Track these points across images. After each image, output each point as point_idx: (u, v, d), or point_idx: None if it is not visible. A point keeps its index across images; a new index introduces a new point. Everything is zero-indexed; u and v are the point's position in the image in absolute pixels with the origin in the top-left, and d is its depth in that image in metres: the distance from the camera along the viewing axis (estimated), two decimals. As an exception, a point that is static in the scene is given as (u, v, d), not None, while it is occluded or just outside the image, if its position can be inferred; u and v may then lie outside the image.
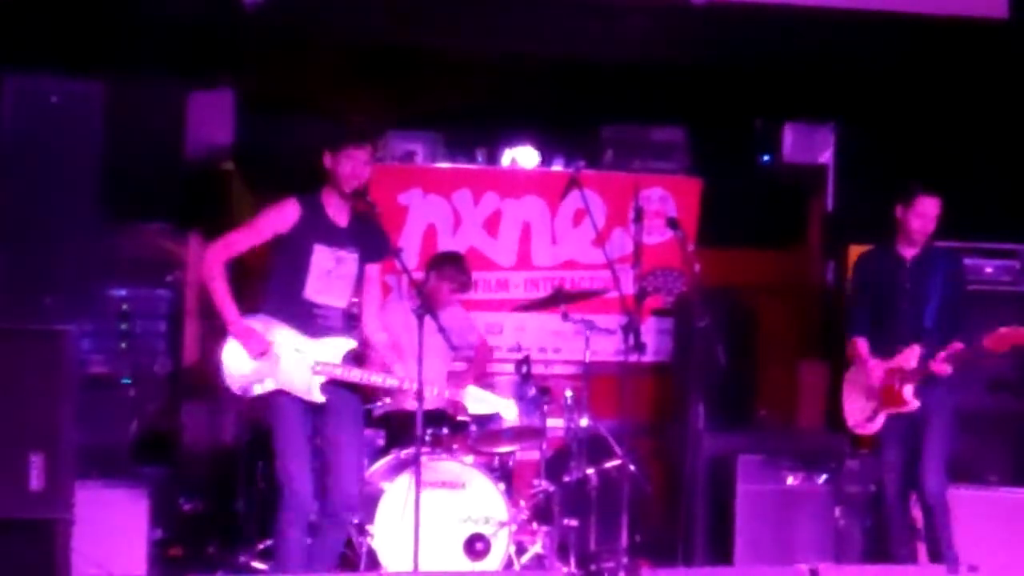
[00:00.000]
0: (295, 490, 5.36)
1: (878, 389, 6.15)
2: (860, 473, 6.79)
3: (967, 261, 6.69)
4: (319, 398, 5.44)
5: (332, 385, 5.47)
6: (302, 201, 5.50)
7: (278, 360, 5.41)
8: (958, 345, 5.91)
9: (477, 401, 5.77)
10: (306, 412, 5.46)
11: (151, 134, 6.88)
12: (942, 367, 5.94)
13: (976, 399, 6.73)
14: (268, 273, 5.56)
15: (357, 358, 5.60)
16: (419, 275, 7.03)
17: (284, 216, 5.47)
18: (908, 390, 6.05)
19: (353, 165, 5.47)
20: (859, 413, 6.27)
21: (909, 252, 6.23)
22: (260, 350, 5.38)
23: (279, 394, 5.42)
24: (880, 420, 6.17)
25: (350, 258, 5.56)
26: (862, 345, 6.28)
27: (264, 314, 5.48)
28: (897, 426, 6.16)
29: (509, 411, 5.96)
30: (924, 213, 6.15)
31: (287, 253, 5.49)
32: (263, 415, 5.58)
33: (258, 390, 5.41)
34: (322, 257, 5.49)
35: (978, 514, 6.30)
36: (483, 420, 6.26)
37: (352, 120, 7.15)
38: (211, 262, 5.44)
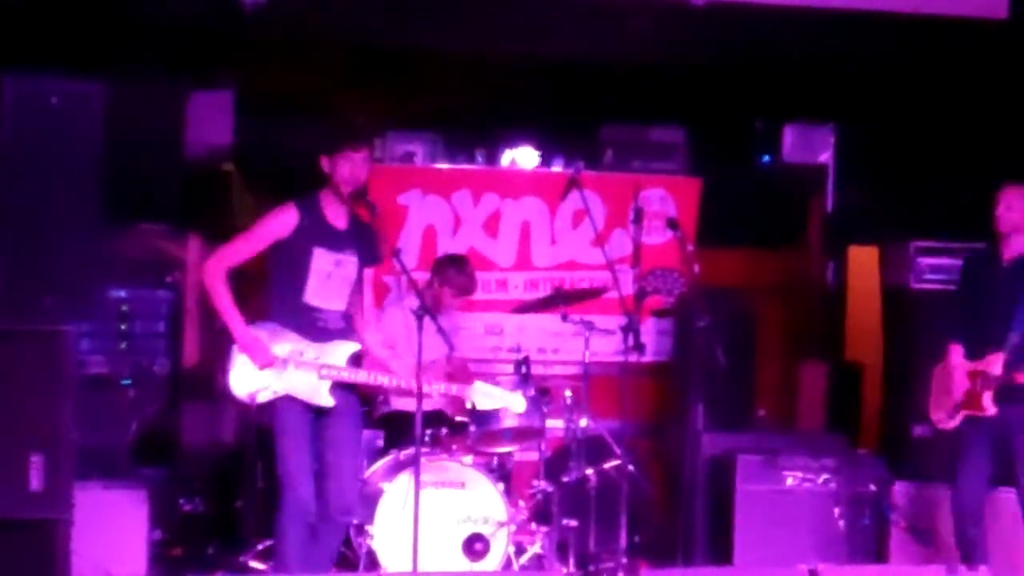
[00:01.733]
0: (296, 490, 5.37)
1: (959, 390, 6.10)
2: (859, 473, 6.80)
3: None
4: (327, 402, 5.46)
5: (335, 388, 5.48)
6: (300, 205, 5.51)
7: (285, 366, 5.43)
8: None
9: (485, 396, 5.75)
10: (307, 414, 5.47)
11: (151, 135, 6.87)
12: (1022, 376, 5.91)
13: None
14: (269, 279, 5.57)
15: (357, 360, 5.61)
16: (419, 275, 7.03)
17: (284, 222, 5.48)
18: (987, 396, 5.97)
19: (352, 167, 5.48)
20: (941, 409, 6.22)
21: (1007, 253, 6.15)
22: (265, 362, 5.40)
23: (284, 398, 5.43)
24: (958, 419, 6.11)
25: (350, 261, 5.56)
26: (953, 349, 6.18)
27: (270, 321, 5.49)
28: (977, 431, 6.07)
29: (518, 404, 5.91)
30: (1005, 203, 6.09)
31: (287, 258, 5.49)
32: (264, 416, 5.58)
33: (265, 396, 5.42)
34: (322, 261, 5.50)
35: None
36: (482, 420, 6.26)
37: (348, 121, 7.15)
38: (213, 273, 5.44)
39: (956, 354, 6.16)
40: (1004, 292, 6.04)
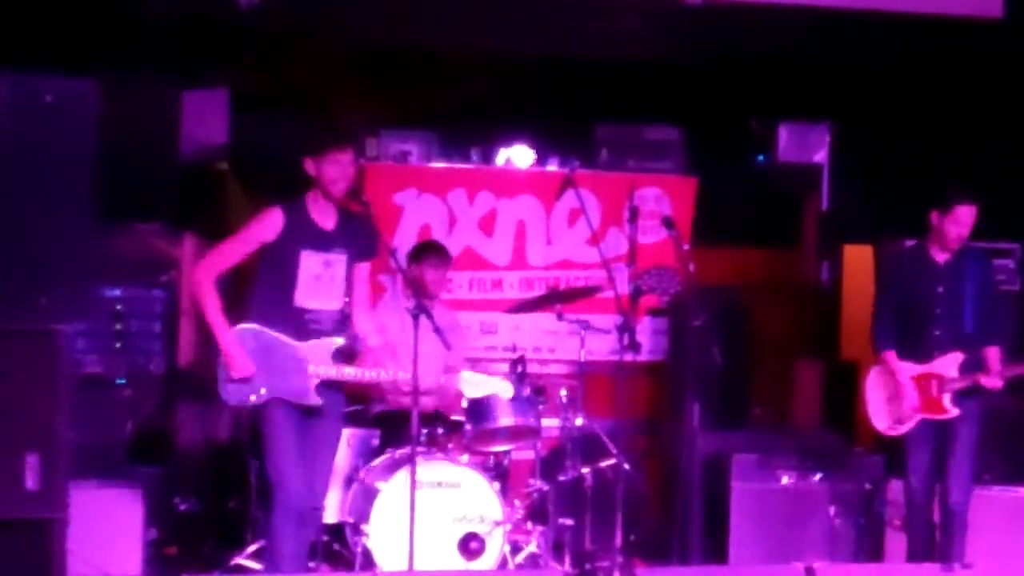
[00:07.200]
0: (286, 490, 5.36)
1: (910, 395, 6.14)
2: (855, 471, 6.80)
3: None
4: (315, 401, 5.45)
5: (321, 386, 5.47)
6: (285, 208, 5.50)
7: (271, 368, 5.41)
8: (1018, 366, 5.98)
9: (472, 385, 5.73)
10: (295, 413, 5.46)
11: (146, 133, 6.87)
12: (994, 381, 5.94)
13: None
14: (256, 281, 5.55)
15: (348, 356, 5.59)
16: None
17: (269, 225, 5.47)
18: (947, 398, 6.04)
19: (339, 168, 5.47)
20: (887, 416, 6.27)
21: (942, 256, 6.18)
22: (244, 374, 5.38)
23: (272, 400, 5.42)
24: (911, 423, 6.17)
25: (339, 260, 5.54)
26: (890, 355, 6.23)
27: (254, 322, 5.48)
28: (927, 430, 6.16)
29: (505, 391, 5.87)
30: (961, 221, 6.10)
31: (274, 261, 5.48)
32: (255, 416, 5.57)
33: (254, 400, 5.41)
34: (310, 262, 5.48)
35: (973, 513, 6.29)
36: (478, 419, 6.25)
37: (333, 123, 7.14)
38: (201, 279, 5.44)
39: (895, 360, 6.21)
40: (944, 292, 6.10)
